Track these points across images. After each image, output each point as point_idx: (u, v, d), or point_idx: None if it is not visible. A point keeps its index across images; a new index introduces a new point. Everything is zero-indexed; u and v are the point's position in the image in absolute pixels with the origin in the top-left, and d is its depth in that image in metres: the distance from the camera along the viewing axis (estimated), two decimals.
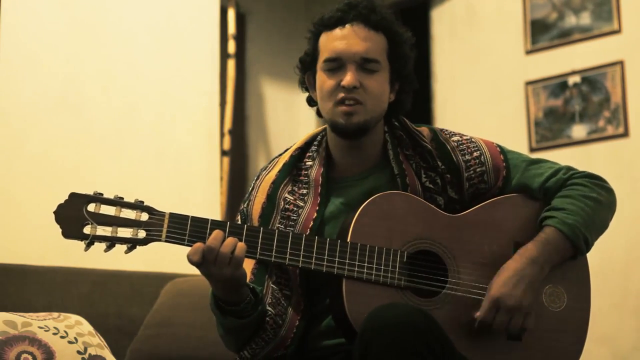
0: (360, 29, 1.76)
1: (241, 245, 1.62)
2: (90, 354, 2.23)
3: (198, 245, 1.60)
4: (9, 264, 2.66)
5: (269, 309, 1.75)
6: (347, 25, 1.77)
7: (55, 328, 2.23)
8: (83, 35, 3.27)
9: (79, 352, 2.21)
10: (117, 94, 3.36)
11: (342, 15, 1.77)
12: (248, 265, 1.77)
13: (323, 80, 1.78)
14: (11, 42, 3.03)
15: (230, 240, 1.61)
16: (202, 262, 1.60)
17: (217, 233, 1.61)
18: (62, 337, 2.22)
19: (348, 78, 1.73)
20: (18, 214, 2.96)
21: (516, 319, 1.69)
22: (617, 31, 4.10)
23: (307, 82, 1.87)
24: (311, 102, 1.89)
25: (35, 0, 3.15)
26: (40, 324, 2.22)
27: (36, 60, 3.12)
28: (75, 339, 2.25)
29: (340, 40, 1.76)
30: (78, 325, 2.31)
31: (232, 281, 1.63)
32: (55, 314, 2.32)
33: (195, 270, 1.66)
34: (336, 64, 1.76)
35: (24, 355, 2.11)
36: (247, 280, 1.73)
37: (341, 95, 1.74)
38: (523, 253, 1.73)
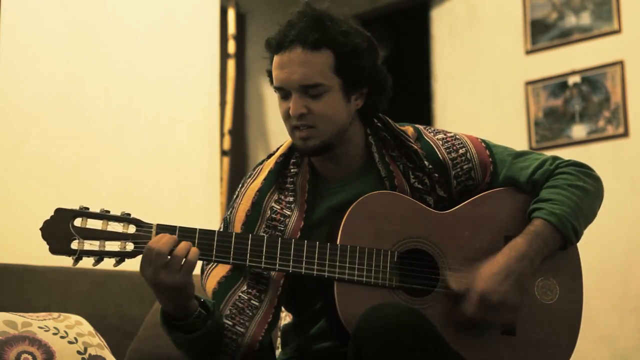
0: (298, 54, 1.70)
1: (194, 250, 1.59)
2: (90, 354, 2.24)
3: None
4: (9, 264, 2.66)
5: (227, 321, 1.72)
6: (286, 52, 1.71)
7: (55, 328, 2.23)
8: (83, 35, 3.27)
9: (79, 352, 2.21)
10: (117, 94, 3.36)
11: (281, 40, 1.72)
12: (219, 272, 1.76)
13: (279, 104, 1.77)
14: (11, 42, 3.03)
15: (184, 244, 1.58)
16: (150, 262, 1.56)
17: (161, 237, 1.58)
18: (62, 337, 2.22)
19: (292, 107, 1.71)
20: (18, 214, 2.96)
21: (500, 316, 1.69)
22: (617, 31, 4.10)
23: None
24: None
25: (35, 0, 3.15)
26: (40, 324, 2.22)
27: (36, 60, 3.12)
28: (75, 339, 2.25)
29: (280, 69, 1.72)
30: (78, 325, 2.31)
31: (181, 290, 1.59)
32: (55, 314, 2.32)
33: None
34: (283, 92, 1.74)
35: (24, 355, 2.11)
36: (211, 289, 1.73)
37: (293, 123, 1.74)
38: (513, 247, 1.71)
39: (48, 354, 2.15)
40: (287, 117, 1.75)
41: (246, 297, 1.74)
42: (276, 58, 1.73)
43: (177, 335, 1.66)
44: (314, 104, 1.71)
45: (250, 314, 1.73)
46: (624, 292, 3.93)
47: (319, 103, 1.71)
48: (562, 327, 1.79)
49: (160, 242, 1.58)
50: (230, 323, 1.71)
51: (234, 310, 1.73)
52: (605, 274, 3.90)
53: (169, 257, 1.57)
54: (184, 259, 1.58)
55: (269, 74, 1.79)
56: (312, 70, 1.70)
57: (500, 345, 1.73)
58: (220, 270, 1.76)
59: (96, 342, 2.30)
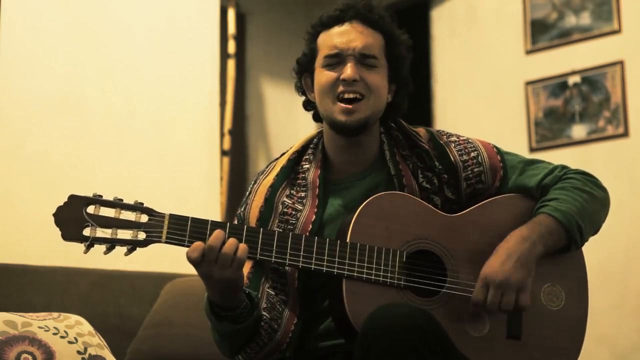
0: (359, 26, 1.79)
1: (243, 246, 1.61)
2: (90, 354, 2.24)
3: (198, 243, 1.59)
4: (9, 264, 2.66)
5: (264, 313, 1.75)
6: (346, 23, 1.80)
7: (55, 328, 2.23)
8: (83, 35, 3.27)
9: (79, 352, 2.21)
10: (117, 94, 3.36)
11: (340, 14, 1.80)
12: (244, 269, 1.77)
13: (322, 76, 1.79)
14: (11, 42, 3.03)
15: (232, 240, 1.60)
16: (201, 260, 1.58)
17: (218, 232, 1.60)
18: (62, 337, 2.22)
19: (348, 71, 1.75)
20: (18, 214, 2.96)
21: (507, 296, 1.67)
22: (617, 31, 4.10)
23: (304, 85, 1.88)
24: (307, 106, 1.89)
25: (35, 0, 3.15)
26: (40, 324, 2.22)
27: (36, 60, 3.12)
28: (75, 339, 2.25)
29: (339, 36, 1.78)
30: (78, 325, 2.31)
31: (231, 284, 1.62)
32: (55, 314, 2.32)
33: (195, 270, 1.65)
34: (336, 59, 1.77)
35: (24, 355, 2.11)
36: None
37: (341, 88, 1.75)
38: (514, 233, 1.74)
39: (48, 354, 2.15)
40: (332, 85, 1.77)
41: (273, 293, 1.78)
42: (333, 29, 1.80)
43: (225, 326, 1.69)
44: (368, 74, 1.77)
45: (280, 309, 1.76)
46: (624, 292, 3.93)
47: (371, 74, 1.78)
48: (568, 333, 1.79)
49: (212, 237, 1.59)
50: (268, 316, 1.74)
51: (269, 305, 1.76)
52: (605, 274, 3.90)
53: (219, 253, 1.59)
54: (234, 256, 1.59)
55: (305, 56, 1.84)
56: (372, 42, 1.79)
57: (506, 349, 1.73)
58: (244, 266, 1.77)
59: (96, 342, 2.30)
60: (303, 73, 1.87)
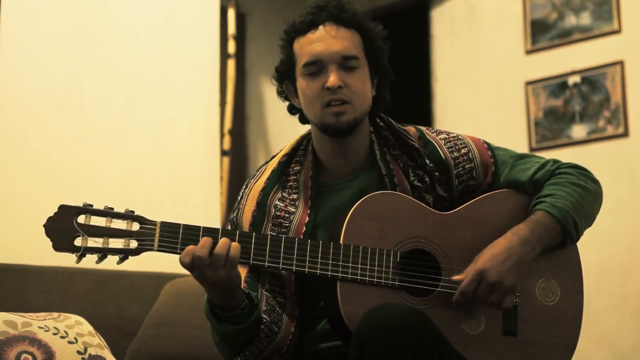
0: (334, 29, 1.77)
1: (235, 245, 1.61)
2: (90, 354, 2.24)
3: (190, 247, 1.59)
4: (9, 264, 2.66)
5: (265, 316, 1.74)
6: (320, 27, 1.77)
7: (55, 328, 2.23)
8: (83, 35, 3.27)
9: (79, 352, 2.21)
10: (117, 94, 3.36)
11: (313, 18, 1.77)
12: (241, 273, 1.76)
13: (306, 85, 1.77)
14: (11, 42, 3.03)
15: (224, 240, 1.60)
16: (193, 265, 1.58)
17: (204, 240, 1.59)
18: (62, 337, 2.22)
19: (332, 79, 1.73)
20: (18, 214, 2.95)
21: (496, 295, 1.68)
22: (617, 31, 4.10)
23: (286, 91, 1.87)
24: (292, 110, 1.88)
25: (35, 0, 3.15)
26: (40, 324, 2.22)
27: (36, 60, 3.12)
28: (75, 339, 2.25)
29: (316, 42, 1.76)
30: (78, 325, 2.31)
31: (227, 284, 1.62)
32: (55, 314, 2.32)
33: None
34: (316, 67, 1.76)
35: (24, 355, 2.11)
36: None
37: (327, 97, 1.74)
38: (515, 232, 1.73)
39: (48, 354, 2.15)
40: (318, 93, 1.75)
41: (271, 295, 1.77)
42: (308, 35, 1.77)
43: (226, 327, 1.68)
44: (350, 78, 1.75)
45: (280, 311, 1.76)
46: (624, 292, 3.93)
47: (354, 78, 1.76)
48: (563, 328, 1.79)
49: (198, 246, 1.59)
50: (268, 319, 1.74)
51: (268, 307, 1.75)
52: (605, 274, 3.90)
53: (210, 257, 1.58)
54: (226, 256, 1.59)
55: (283, 64, 1.83)
56: (350, 43, 1.77)
57: (502, 345, 1.73)
58: (241, 270, 1.77)
59: (96, 342, 2.30)
60: (283, 80, 1.87)
